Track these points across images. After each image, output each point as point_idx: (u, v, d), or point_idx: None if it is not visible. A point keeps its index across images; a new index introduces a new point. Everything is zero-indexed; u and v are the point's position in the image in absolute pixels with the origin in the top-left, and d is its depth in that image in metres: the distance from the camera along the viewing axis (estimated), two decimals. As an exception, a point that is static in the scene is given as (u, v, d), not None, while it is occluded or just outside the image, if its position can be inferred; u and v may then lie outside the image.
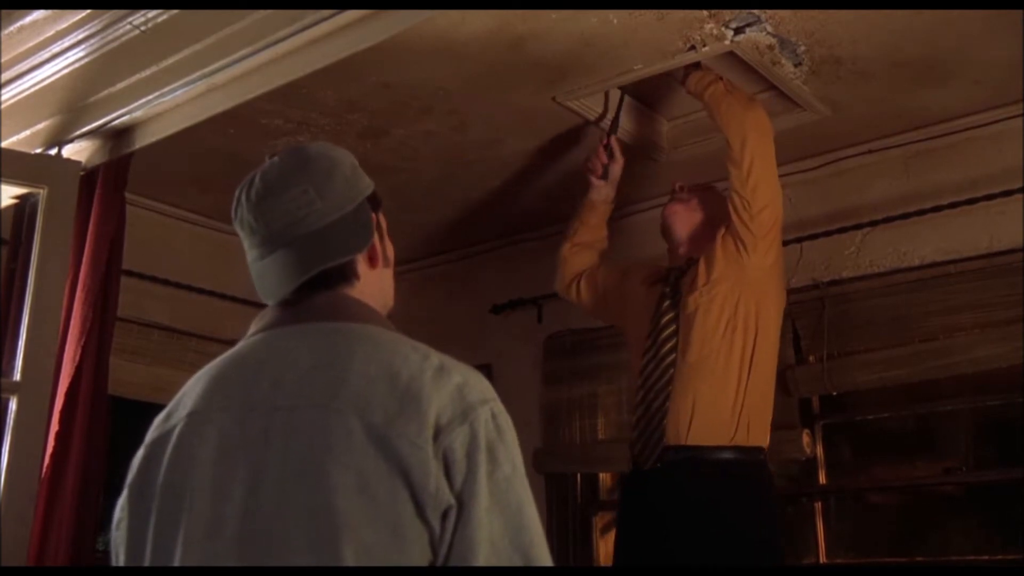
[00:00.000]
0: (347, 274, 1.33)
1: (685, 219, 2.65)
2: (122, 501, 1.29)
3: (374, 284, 1.36)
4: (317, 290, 1.31)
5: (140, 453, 1.30)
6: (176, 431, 1.25)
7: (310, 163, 1.34)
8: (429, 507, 1.11)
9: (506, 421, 1.20)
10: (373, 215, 1.37)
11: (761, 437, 2.42)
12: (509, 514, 1.14)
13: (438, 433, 1.13)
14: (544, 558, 1.15)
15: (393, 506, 1.11)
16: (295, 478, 1.14)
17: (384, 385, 1.17)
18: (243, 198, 1.35)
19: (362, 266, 1.35)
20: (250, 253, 1.36)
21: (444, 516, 1.11)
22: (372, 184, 1.40)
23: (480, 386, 1.21)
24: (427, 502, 1.11)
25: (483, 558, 1.10)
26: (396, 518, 1.10)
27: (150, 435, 1.30)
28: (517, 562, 1.13)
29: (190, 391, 1.30)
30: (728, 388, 2.40)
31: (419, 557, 1.11)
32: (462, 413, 1.16)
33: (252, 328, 1.34)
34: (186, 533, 1.17)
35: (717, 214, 2.60)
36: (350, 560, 1.09)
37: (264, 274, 1.33)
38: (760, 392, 2.44)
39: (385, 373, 1.18)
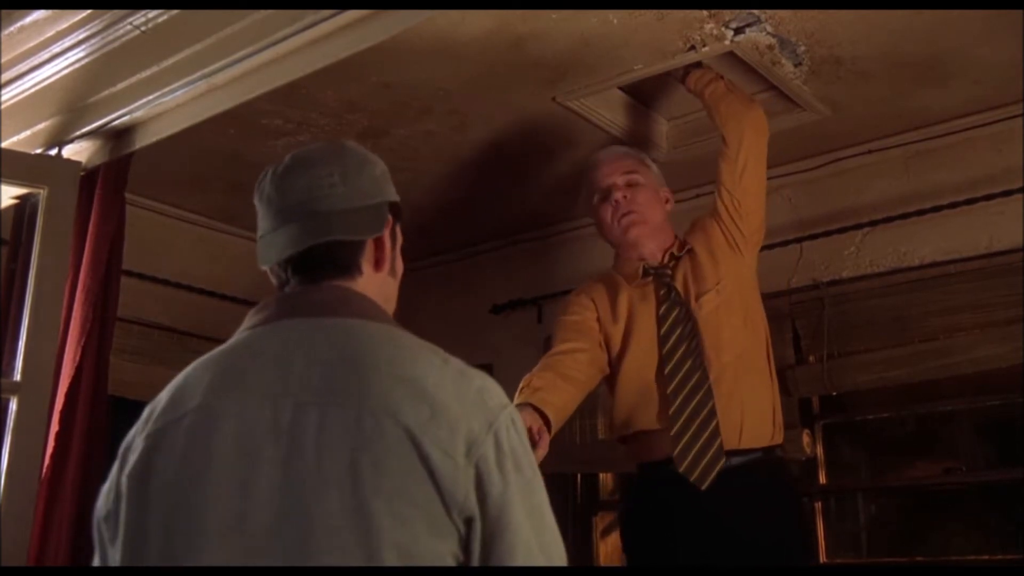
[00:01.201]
0: (349, 265, 1.33)
1: (646, 221, 2.52)
2: (113, 492, 1.26)
3: (376, 286, 1.36)
4: (317, 277, 1.31)
5: (140, 444, 1.26)
6: (185, 422, 1.23)
7: (345, 152, 1.38)
8: (455, 511, 1.14)
9: (522, 424, 1.25)
10: (391, 218, 1.39)
11: (782, 435, 2.41)
12: (536, 516, 1.18)
13: (471, 446, 1.16)
14: (562, 556, 1.20)
15: (427, 506, 1.13)
16: (329, 477, 1.14)
17: (412, 389, 1.18)
18: (270, 173, 1.37)
19: (366, 264, 1.35)
20: (262, 226, 1.36)
21: (468, 523, 1.14)
22: (397, 197, 1.42)
23: (496, 390, 1.25)
24: (453, 507, 1.14)
25: (521, 561, 1.15)
26: (430, 518, 1.13)
27: (150, 426, 1.27)
28: (541, 562, 1.17)
29: (195, 382, 1.28)
30: (766, 387, 2.37)
31: (451, 556, 1.14)
32: (487, 423, 1.19)
33: (251, 319, 1.33)
34: (206, 527, 1.16)
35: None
36: (390, 561, 1.11)
37: (270, 245, 1.34)
38: (778, 390, 2.43)
39: (411, 376, 1.20)
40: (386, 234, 1.38)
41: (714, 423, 2.26)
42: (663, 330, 2.39)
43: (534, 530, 1.17)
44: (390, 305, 1.41)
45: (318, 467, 1.15)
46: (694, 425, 2.27)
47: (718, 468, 2.23)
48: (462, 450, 1.15)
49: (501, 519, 1.15)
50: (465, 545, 1.15)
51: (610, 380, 2.48)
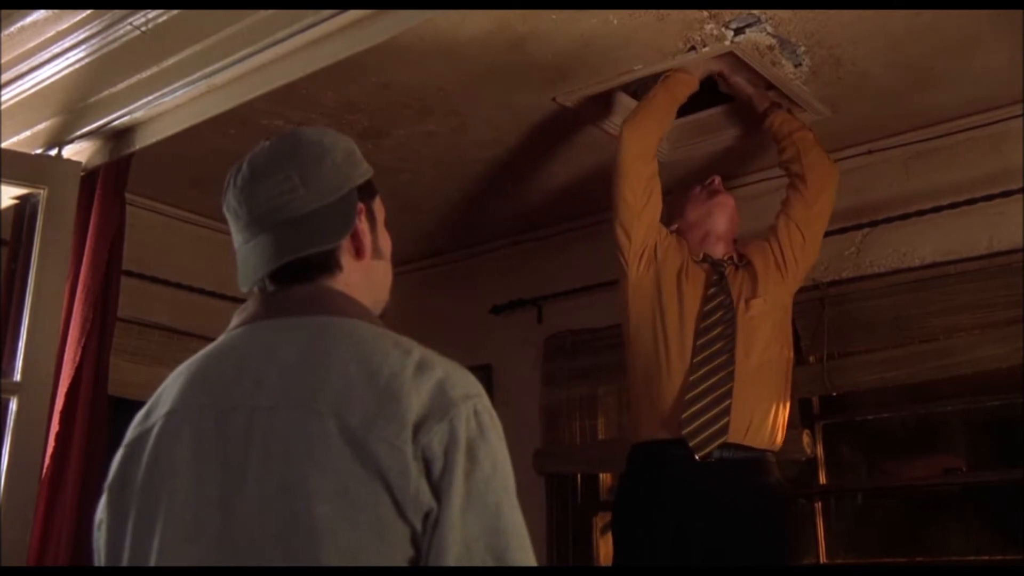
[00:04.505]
0: (328, 264, 1.29)
1: (732, 216, 2.67)
2: (102, 502, 1.26)
3: (360, 276, 1.32)
4: (298, 281, 1.28)
5: (119, 453, 1.27)
6: (155, 430, 1.22)
7: (300, 149, 1.31)
8: (410, 509, 1.08)
9: (490, 418, 1.16)
10: (361, 204, 1.33)
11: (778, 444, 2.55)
12: (486, 516, 1.10)
13: (417, 431, 1.10)
14: (523, 563, 1.11)
15: (374, 509, 1.08)
16: (275, 482, 1.11)
17: (363, 384, 1.13)
18: (230, 182, 1.33)
19: (346, 257, 1.30)
20: (236, 238, 1.34)
21: (426, 517, 1.08)
22: (369, 172, 1.36)
23: (463, 381, 1.17)
24: (407, 504, 1.08)
25: (454, 560, 1.07)
26: (377, 521, 1.08)
27: (129, 434, 1.27)
28: (489, 564, 1.08)
29: (169, 388, 1.27)
30: (777, 397, 2.50)
31: (401, 557, 1.08)
32: (441, 410, 1.12)
33: (233, 322, 1.31)
34: (163, 536, 1.15)
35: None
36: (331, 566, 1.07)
37: (245, 259, 1.32)
38: (788, 410, 2.56)
39: (365, 372, 1.14)
40: (361, 223, 1.32)
41: (727, 403, 2.39)
42: (705, 309, 2.51)
43: (483, 531, 1.09)
44: (380, 288, 1.37)
45: (264, 474, 1.12)
46: (708, 398, 2.41)
47: (718, 442, 2.38)
48: (410, 439, 1.09)
49: (439, 510, 1.07)
50: (416, 540, 1.08)
51: (635, 346, 2.58)
